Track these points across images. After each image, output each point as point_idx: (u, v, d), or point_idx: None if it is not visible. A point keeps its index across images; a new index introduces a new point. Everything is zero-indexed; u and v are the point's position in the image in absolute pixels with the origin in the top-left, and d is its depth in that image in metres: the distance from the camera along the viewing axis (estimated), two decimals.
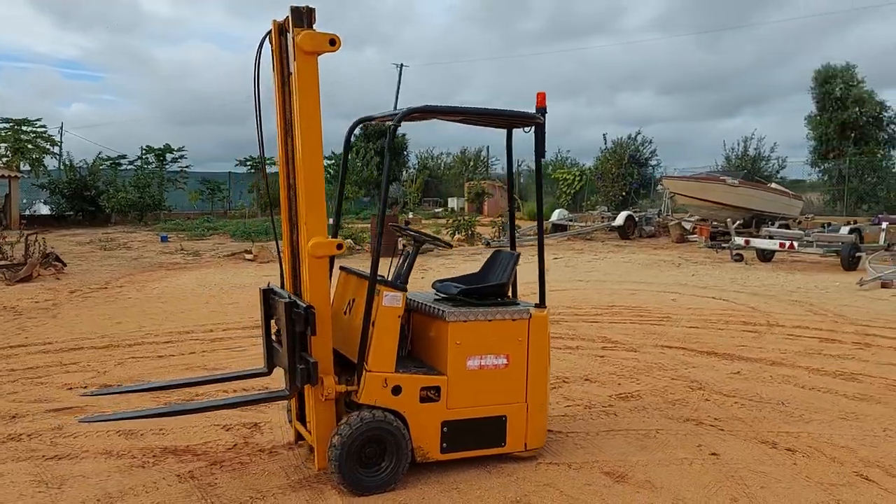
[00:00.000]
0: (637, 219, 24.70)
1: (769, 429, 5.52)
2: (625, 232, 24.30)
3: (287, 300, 4.23)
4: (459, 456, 4.57)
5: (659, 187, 26.55)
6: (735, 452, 5.01)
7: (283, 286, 4.72)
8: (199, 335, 8.91)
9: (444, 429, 4.48)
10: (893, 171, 27.19)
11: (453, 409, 4.50)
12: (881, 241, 17.74)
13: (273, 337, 4.70)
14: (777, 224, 20.72)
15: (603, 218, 26.24)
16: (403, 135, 43.26)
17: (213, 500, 4.18)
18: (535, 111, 4.75)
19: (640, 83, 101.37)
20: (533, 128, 4.81)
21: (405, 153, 44.62)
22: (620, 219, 24.51)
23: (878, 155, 27.19)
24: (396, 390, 4.35)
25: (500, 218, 26.98)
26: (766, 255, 18.23)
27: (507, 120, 4.82)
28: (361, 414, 4.25)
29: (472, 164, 45.65)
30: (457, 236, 23.07)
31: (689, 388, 6.63)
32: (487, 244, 21.82)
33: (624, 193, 30.78)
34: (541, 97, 4.80)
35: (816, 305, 11.47)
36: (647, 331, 9.31)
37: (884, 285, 13.58)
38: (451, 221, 24.22)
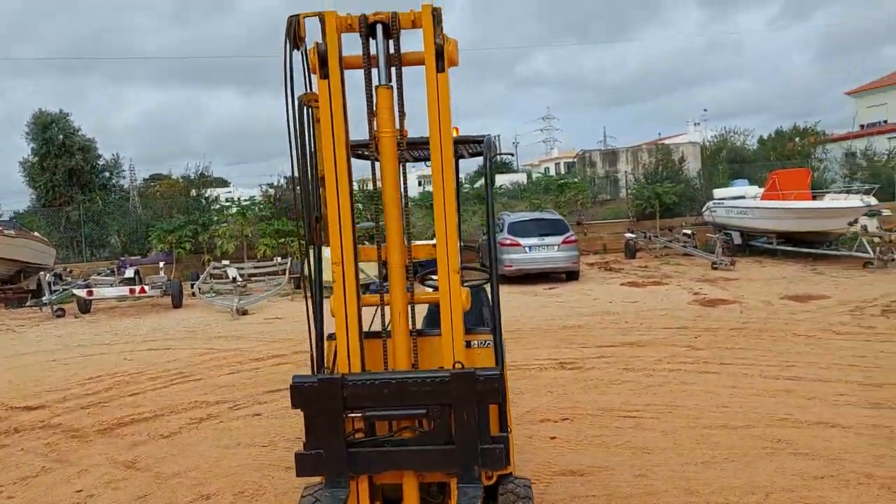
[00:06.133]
0: None
1: None
2: None
3: (463, 369, 3.26)
4: None
5: None
6: None
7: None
8: None
9: None
10: (115, 216, 27.95)
11: None
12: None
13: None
14: (48, 274, 19.26)
15: None
16: None
17: None
18: None
19: None
20: None
21: None
22: None
23: (100, 202, 27.77)
24: None
25: None
26: (86, 306, 17.28)
27: None
28: None
29: None
30: None
31: None
32: None
33: None
34: None
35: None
36: None
37: (244, 313, 15.19)
38: None
